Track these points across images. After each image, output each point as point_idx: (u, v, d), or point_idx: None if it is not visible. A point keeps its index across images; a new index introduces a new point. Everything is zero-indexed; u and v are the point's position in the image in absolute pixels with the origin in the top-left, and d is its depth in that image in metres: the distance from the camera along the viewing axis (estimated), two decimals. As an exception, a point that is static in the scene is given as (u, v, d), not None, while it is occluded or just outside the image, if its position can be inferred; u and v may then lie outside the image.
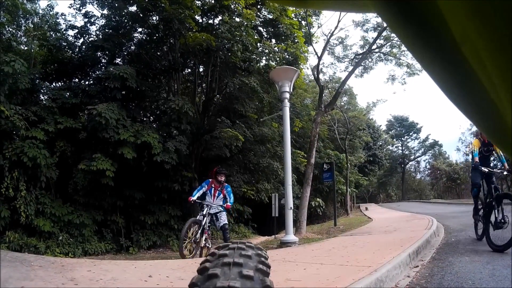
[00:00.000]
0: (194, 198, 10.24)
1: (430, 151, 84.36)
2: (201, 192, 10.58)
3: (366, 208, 38.87)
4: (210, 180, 10.80)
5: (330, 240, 11.13)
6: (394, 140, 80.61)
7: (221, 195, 10.65)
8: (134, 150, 14.40)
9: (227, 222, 10.70)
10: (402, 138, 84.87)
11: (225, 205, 10.43)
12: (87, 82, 18.32)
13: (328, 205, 30.14)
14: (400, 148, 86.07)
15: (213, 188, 10.68)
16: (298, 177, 23.21)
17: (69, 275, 4.55)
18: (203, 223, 9.74)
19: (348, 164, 31.20)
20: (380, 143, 58.46)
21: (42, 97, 16.99)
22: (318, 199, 27.91)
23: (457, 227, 13.18)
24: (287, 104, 11.50)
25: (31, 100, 15.67)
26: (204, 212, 9.99)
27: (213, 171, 10.96)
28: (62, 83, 18.15)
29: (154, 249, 15.39)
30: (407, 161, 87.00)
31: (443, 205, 37.10)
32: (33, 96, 16.18)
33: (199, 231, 9.59)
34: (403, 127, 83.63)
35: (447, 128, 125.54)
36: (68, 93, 16.13)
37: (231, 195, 10.74)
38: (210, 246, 10.35)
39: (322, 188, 30.04)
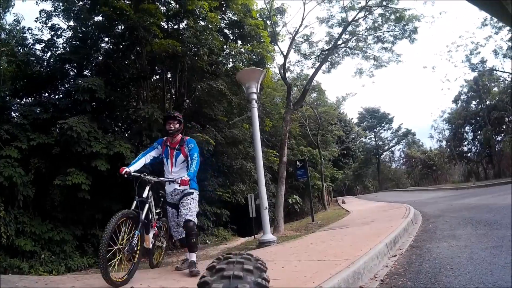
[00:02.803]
0: (129, 169, 6.40)
1: (404, 140, 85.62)
2: (145, 158, 6.96)
3: (343, 201, 39.21)
4: (164, 138, 7.29)
5: (308, 236, 11.21)
6: (367, 132, 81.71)
7: (181, 157, 6.86)
8: (107, 162, 14.23)
9: (194, 218, 6.58)
10: (375, 130, 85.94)
11: (179, 180, 6.21)
12: (57, 96, 18.09)
13: (305, 201, 30.34)
14: (373, 139, 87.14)
15: (169, 148, 7.00)
16: (273, 176, 23.32)
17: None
18: (143, 216, 5.95)
19: (322, 159, 31.44)
20: (353, 136, 59.21)
21: (14, 114, 16.76)
22: (295, 196, 28.10)
23: (434, 213, 13.40)
24: (255, 105, 11.54)
25: (3, 118, 15.38)
26: (145, 195, 6.25)
27: None
28: (32, 99, 17.89)
29: (134, 259, 15.26)
30: (381, 151, 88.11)
31: (420, 192, 37.73)
32: (4, 114, 15.93)
33: (137, 232, 5.79)
34: (375, 118, 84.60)
35: (419, 116, 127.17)
36: (38, 109, 15.86)
37: (195, 155, 6.67)
38: (164, 245, 7.83)
39: (298, 185, 30.23)
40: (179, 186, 6.40)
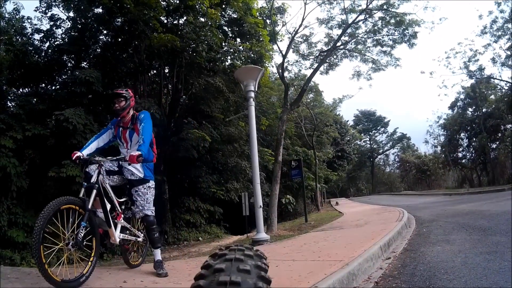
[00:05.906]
0: (82, 153, 5.53)
1: (399, 144, 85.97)
2: (98, 142, 6.14)
3: (337, 203, 39.16)
4: (117, 118, 6.23)
5: (302, 236, 11.13)
6: (362, 134, 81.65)
7: (136, 135, 6.01)
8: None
9: (152, 212, 5.97)
10: (370, 133, 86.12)
11: (127, 157, 5.25)
12: (53, 87, 18.03)
13: (299, 202, 30.37)
14: (368, 142, 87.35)
15: (121, 129, 6.16)
16: (267, 175, 23.33)
17: (45, 285, 4.50)
18: (89, 204, 4.95)
19: (317, 160, 31.41)
20: (348, 138, 59.05)
21: (10, 104, 16.63)
22: (288, 196, 28.07)
23: (428, 217, 13.33)
24: (252, 103, 11.45)
25: (-1, 107, 15.35)
26: (93, 180, 5.22)
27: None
28: (29, 89, 17.79)
29: (127, 254, 15.14)
30: (375, 155, 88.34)
31: (413, 197, 37.72)
32: (0, 103, 15.84)
33: (83, 223, 4.86)
34: (371, 121, 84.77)
35: (414, 121, 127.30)
36: (35, 99, 15.80)
37: (146, 124, 5.83)
38: (140, 239, 6.36)
39: (292, 185, 30.24)
40: (129, 164, 5.67)
